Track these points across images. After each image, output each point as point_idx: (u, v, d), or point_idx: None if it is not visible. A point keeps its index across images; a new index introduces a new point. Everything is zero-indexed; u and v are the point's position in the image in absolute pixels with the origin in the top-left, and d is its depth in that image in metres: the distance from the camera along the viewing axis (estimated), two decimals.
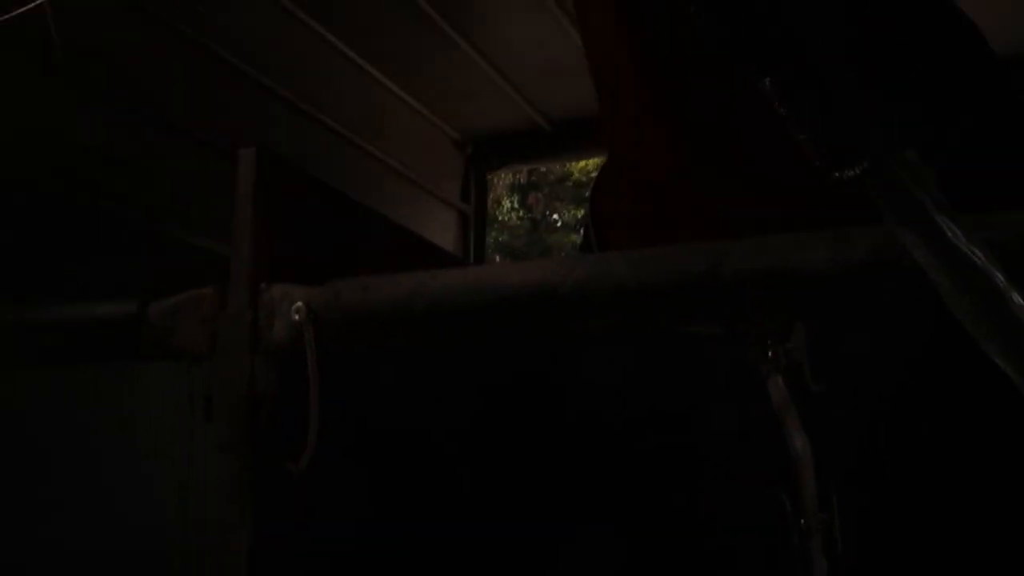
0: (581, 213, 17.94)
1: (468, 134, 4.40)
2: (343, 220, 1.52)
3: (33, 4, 2.33)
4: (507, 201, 17.34)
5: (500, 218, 16.89)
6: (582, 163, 16.07)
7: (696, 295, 1.04)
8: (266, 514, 1.21)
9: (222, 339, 1.28)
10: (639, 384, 1.32)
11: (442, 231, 4.34)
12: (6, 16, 2.40)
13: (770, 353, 1.15)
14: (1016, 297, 0.63)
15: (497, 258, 14.88)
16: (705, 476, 1.40)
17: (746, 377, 1.21)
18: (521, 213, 17.86)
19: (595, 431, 1.46)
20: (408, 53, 3.75)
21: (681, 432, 1.40)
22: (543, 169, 16.13)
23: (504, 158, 4.57)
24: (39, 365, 1.47)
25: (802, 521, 1.19)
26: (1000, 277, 0.63)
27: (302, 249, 1.39)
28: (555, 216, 18.27)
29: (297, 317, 1.22)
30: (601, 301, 1.09)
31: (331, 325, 1.21)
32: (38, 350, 1.43)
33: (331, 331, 1.21)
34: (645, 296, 1.06)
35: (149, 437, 1.70)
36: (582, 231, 1.60)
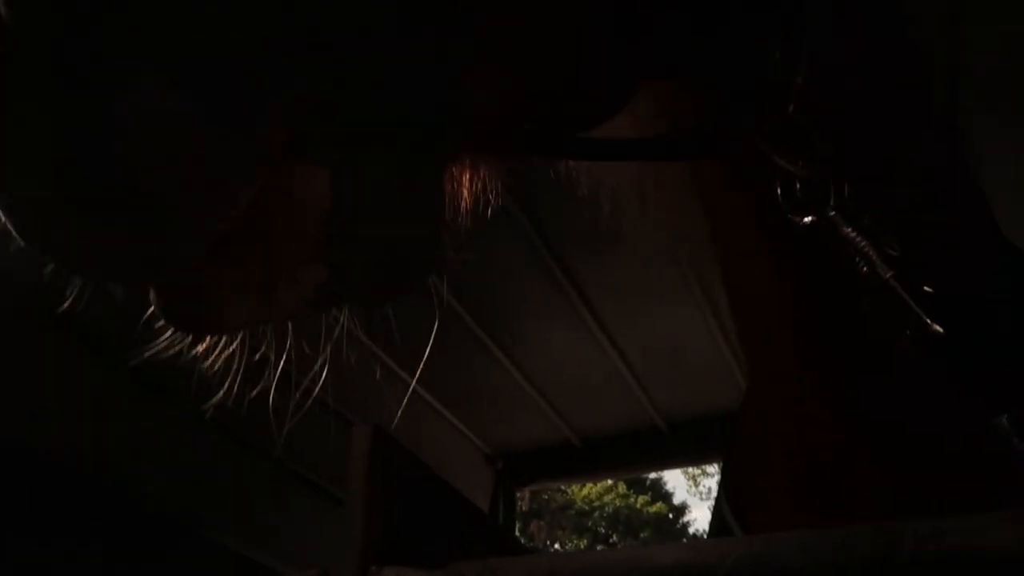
0: (584, 543, 17.41)
1: (499, 449, 4.39)
2: (441, 502, 1.47)
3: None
4: None
5: None
6: (584, 491, 15.88)
7: None
8: None
9: None
10: None
11: None
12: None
13: None
14: None
15: None
16: None
17: None
18: (523, 540, 17.21)
19: None
20: (446, 364, 3.85)
21: None
22: (545, 496, 15.88)
23: (534, 475, 4.52)
24: None
25: None
26: None
27: (406, 529, 1.33)
28: (556, 545, 17.69)
29: None
30: None
31: None
32: None
33: None
34: None
35: None
36: (711, 517, 1.53)
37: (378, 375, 3.80)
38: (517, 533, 16.46)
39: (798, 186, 0.77)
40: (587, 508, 15.84)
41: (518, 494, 4.75)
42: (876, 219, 0.79)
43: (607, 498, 16.07)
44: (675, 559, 1.06)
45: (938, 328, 0.73)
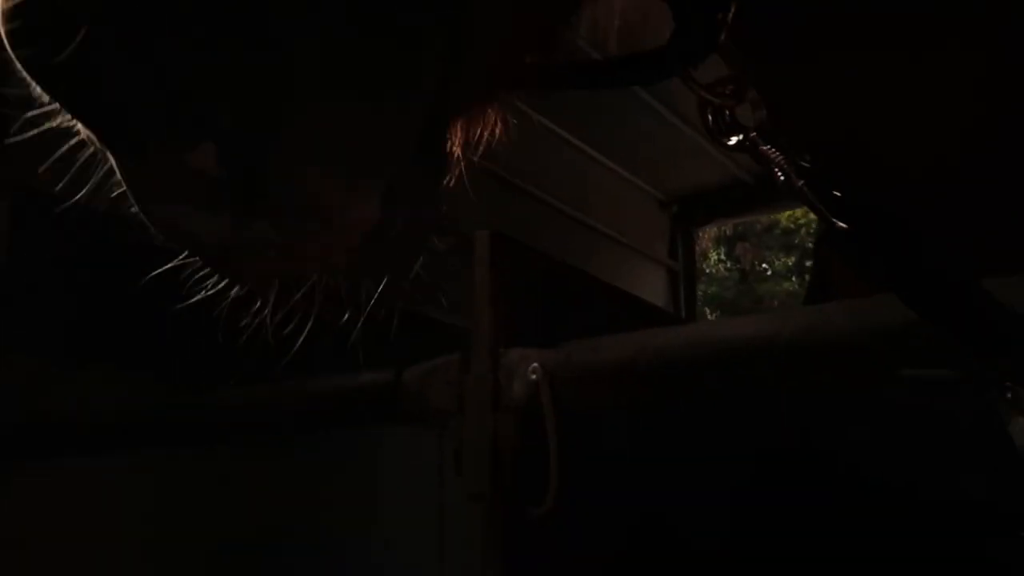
0: (792, 260, 17.34)
1: (672, 194, 4.48)
2: (566, 287, 1.65)
3: None
4: (714, 253, 17.07)
5: (708, 271, 16.65)
6: (789, 211, 15.57)
7: (921, 340, 1.07)
8: (515, 558, 1.33)
9: (467, 399, 1.43)
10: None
11: (652, 288, 4.40)
12: None
13: (1009, 394, 1.13)
14: None
15: (707, 311, 14.62)
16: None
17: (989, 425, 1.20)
18: (729, 264, 17.51)
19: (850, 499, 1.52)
20: (612, 123, 3.89)
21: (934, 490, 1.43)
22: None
23: (709, 214, 4.61)
24: (297, 431, 1.68)
25: None
26: None
27: (533, 315, 1.52)
28: (764, 265, 17.70)
29: (534, 376, 1.35)
30: (820, 352, 1.14)
31: (564, 383, 1.33)
32: (300, 417, 1.65)
33: (564, 388, 1.33)
34: (866, 345, 1.10)
35: (400, 494, 1.89)
36: (808, 282, 1.65)
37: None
38: (723, 258, 16.48)
39: (726, 113, 0.93)
40: (792, 226, 15.66)
41: (699, 232, 4.88)
42: (791, 138, 0.92)
43: (813, 215, 15.67)
44: (739, 333, 1.20)
45: (842, 225, 0.83)
